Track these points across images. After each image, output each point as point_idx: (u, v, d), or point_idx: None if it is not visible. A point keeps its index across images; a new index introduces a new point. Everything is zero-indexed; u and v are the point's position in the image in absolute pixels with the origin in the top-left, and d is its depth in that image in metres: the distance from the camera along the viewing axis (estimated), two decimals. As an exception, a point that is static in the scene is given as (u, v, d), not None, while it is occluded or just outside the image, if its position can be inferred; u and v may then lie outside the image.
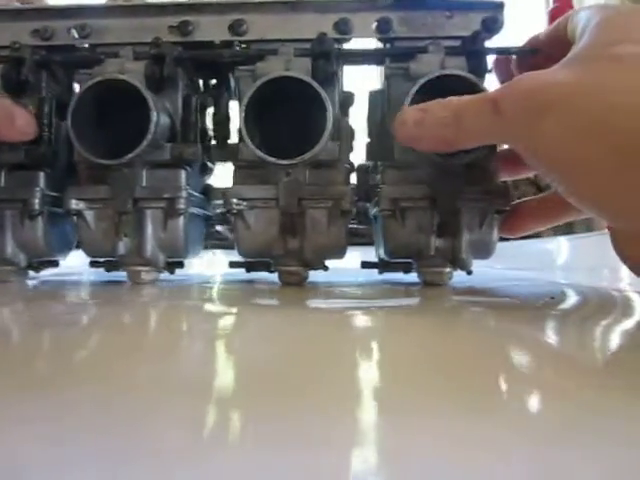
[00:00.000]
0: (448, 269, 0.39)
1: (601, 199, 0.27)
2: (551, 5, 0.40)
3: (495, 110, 0.28)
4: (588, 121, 0.25)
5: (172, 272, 0.41)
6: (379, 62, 0.41)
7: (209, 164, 0.43)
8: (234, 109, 0.42)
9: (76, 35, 0.39)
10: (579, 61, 0.27)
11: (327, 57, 0.37)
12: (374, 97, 0.39)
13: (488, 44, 0.38)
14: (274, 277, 0.40)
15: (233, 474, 0.10)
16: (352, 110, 0.42)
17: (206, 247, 0.65)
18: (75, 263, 0.47)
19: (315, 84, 0.35)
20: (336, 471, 0.10)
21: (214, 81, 0.44)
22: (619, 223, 0.28)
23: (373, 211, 0.40)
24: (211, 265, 0.66)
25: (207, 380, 0.16)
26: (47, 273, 0.45)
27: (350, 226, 0.44)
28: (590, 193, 0.27)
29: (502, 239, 0.40)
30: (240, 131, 0.36)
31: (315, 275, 0.40)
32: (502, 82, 0.39)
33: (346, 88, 0.42)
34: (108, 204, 0.38)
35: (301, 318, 0.28)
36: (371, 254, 0.43)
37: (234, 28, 0.39)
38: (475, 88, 0.35)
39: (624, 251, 0.29)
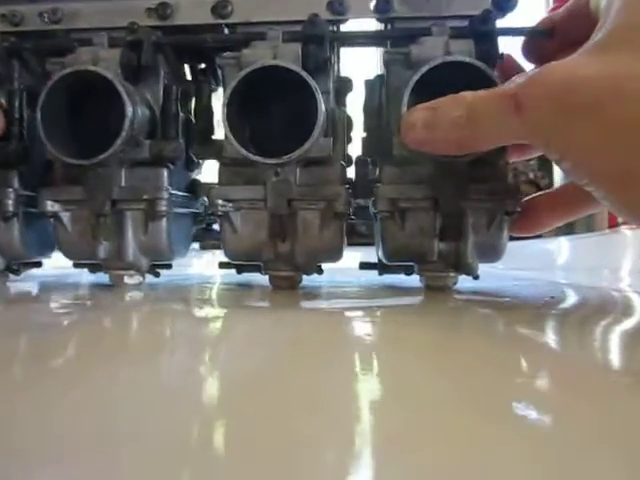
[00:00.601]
0: (452, 274, 0.36)
1: None
2: (551, 5, 0.36)
3: (517, 108, 0.24)
4: (635, 126, 0.22)
5: (157, 275, 0.38)
6: (379, 44, 0.38)
7: (196, 158, 0.40)
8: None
9: (47, 20, 0.36)
10: (608, 48, 0.23)
11: (319, 42, 0.34)
12: (371, 86, 0.36)
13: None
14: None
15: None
16: (350, 97, 0.39)
17: (205, 247, 0.62)
18: (65, 263, 0.45)
19: (304, 74, 0.32)
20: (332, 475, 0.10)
21: (203, 66, 0.41)
22: None
23: (372, 210, 0.37)
24: (209, 265, 0.64)
25: (191, 387, 0.15)
26: (39, 273, 0.43)
27: (350, 222, 0.41)
28: None
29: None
30: (223, 129, 0.33)
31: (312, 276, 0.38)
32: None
33: (343, 73, 0.38)
34: (85, 206, 0.35)
35: (294, 321, 0.27)
36: (372, 254, 0.40)
37: (217, 10, 0.35)
38: (485, 75, 0.31)
39: None
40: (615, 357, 0.19)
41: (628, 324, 0.26)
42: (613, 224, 0.65)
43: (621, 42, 0.23)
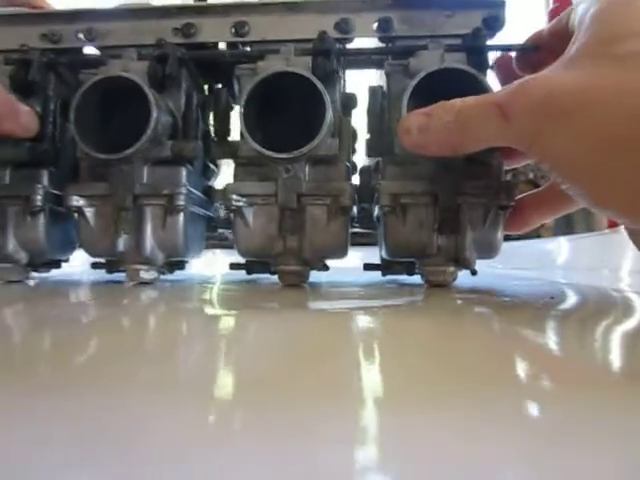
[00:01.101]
0: (452, 268, 0.38)
1: (627, 209, 0.26)
2: (551, 5, 0.40)
3: (502, 115, 0.27)
4: (605, 132, 0.25)
5: (171, 272, 0.40)
6: (381, 63, 0.41)
7: (212, 166, 0.43)
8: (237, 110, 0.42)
9: (83, 38, 0.40)
10: (582, 61, 0.27)
11: (327, 55, 0.37)
12: (374, 92, 0.39)
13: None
14: (275, 278, 0.39)
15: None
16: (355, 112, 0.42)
17: (206, 247, 0.65)
18: (77, 263, 0.47)
19: (313, 78, 0.35)
20: (339, 469, 0.10)
21: (219, 86, 0.45)
22: None
23: (375, 212, 0.39)
24: (210, 265, 0.65)
25: (207, 381, 0.15)
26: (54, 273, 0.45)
27: (353, 231, 0.44)
28: (614, 204, 0.26)
29: (506, 237, 0.39)
30: (239, 127, 0.36)
31: (317, 275, 0.40)
32: (503, 83, 0.38)
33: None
34: (107, 201, 0.38)
35: (303, 320, 0.27)
36: (372, 254, 0.42)
37: (236, 29, 0.39)
38: (477, 82, 0.35)
39: None
40: (615, 356, 0.20)
41: (628, 324, 0.26)
42: (613, 224, 0.67)
43: (590, 55, 0.27)
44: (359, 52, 0.40)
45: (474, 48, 0.37)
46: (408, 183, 0.36)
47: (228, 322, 0.29)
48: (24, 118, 0.37)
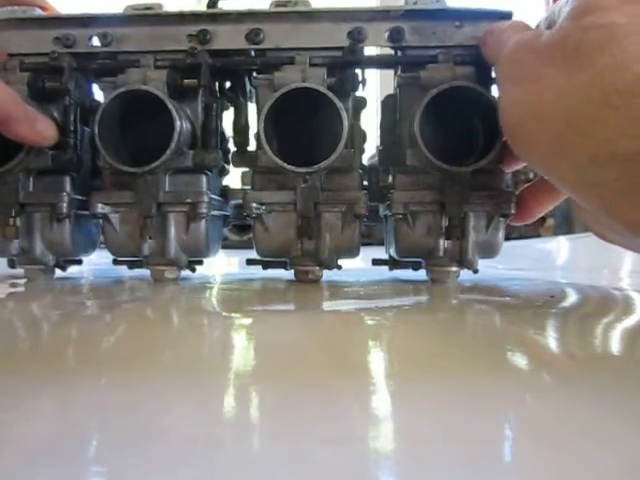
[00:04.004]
0: (455, 268, 0.41)
1: (547, 163, 0.29)
2: (551, 4, 0.41)
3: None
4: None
5: (193, 270, 0.43)
6: (388, 66, 0.43)
7: (226, 166, 0.45)
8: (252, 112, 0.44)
9: (98, 43, 0.41)
10: None
11: (354, 67, 0.39)
12: (386, 105, 0.41)
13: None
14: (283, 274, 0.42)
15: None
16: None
17: None
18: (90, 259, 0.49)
19: (331, 95, 0.37)
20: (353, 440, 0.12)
21: (228, 84, 0.46)
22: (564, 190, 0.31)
23: (384, 212, 0.42)
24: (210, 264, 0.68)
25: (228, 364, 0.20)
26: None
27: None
28: (536, 156, 0.30)
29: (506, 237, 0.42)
30: (259, 139, 0.38)
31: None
32: None
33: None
34: (133, 208, 0.40)
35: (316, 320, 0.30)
36: (372, 254, 0.45)
37: (251, 37, 0.40)
38: (482, 96, 0.37)
39: (586, 221, 0.33)
40: (616, 353, 0.20)
41: (630, 321, 0.27)
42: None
43: None
44: (373, 61, 0.41)
45: (482, 62, 0.39)
46: (418, 193, 0.39)
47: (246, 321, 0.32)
48: (40, 126, 0.37)
